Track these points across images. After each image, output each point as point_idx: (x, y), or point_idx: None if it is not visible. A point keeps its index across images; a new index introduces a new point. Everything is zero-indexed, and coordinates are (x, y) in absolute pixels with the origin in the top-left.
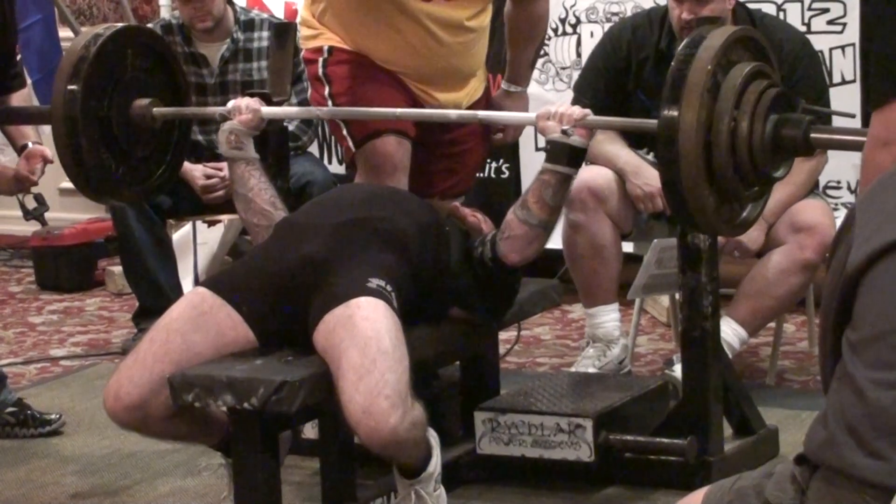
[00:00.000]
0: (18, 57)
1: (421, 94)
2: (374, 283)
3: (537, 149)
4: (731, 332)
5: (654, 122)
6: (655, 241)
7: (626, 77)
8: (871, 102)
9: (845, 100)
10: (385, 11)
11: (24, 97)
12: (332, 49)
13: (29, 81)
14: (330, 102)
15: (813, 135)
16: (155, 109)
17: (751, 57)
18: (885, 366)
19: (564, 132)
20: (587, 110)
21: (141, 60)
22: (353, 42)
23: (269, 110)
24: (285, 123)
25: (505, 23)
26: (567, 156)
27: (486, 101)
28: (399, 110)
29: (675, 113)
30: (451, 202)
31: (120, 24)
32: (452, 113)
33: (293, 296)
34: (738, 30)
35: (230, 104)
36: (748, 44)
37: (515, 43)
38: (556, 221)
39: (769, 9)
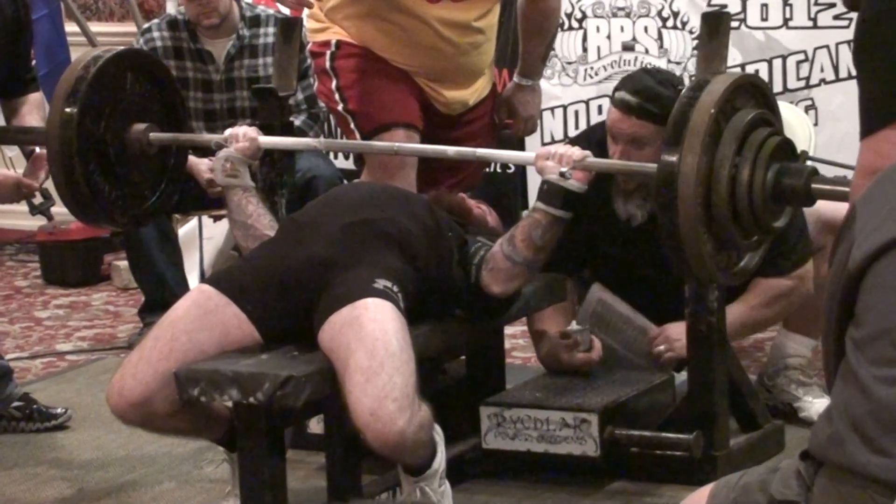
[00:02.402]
0: (34, 62)
1: (429, 91)
2: (381, 283)
3: (543, 143)
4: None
5: (653, 165)
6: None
7: None
8: (860, 132)
9: (851, 94)
10: (392, 13)
11: (38, 100)
12: (339, 43)
13: None
14: (337, 95)
15: (814, 185)
16: (151, 135)
17: (754, 104)
18: (888, 362)
19: (562, 174)
20: (587, 152)
21: (140, 84)
22: (360, 38)
23: (266, 140)
24: (292, 118)
25: (517, 17)
26: (562, 199)
27: (492, 100)
28: (397, 144)
29: (676, 156)
30: (458, 193)
31: (120, 47)
32: (450, 149)
33: (299, 295)
34: (743, 76)
35: (227, 132)
36: (752, 90)
37: (527, 37)
38: (542, 261)
39: (776, 4)
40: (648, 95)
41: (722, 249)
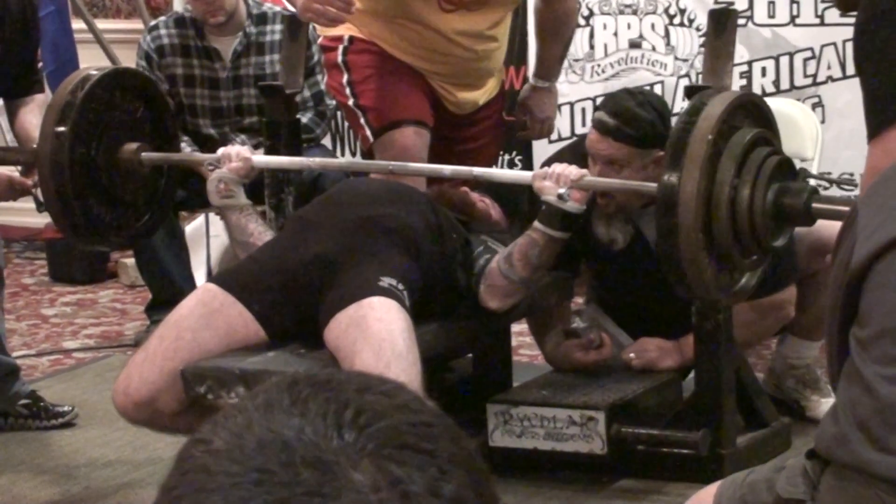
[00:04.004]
0: (40, 64)
1: (440, 90)
2: (386, 282)
3: (550, 141)
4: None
5: (653, 185)
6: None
7: None
8: (867, 134)
9: (859, 92)
10: (406, 22)
11: (41, 102)
12: (352, 38)
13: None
14: (348, 90)
15: (814, 204)
16: (143, 154)
17: (752, 123)
18: (893, 361)
19: (560, 196)
20: (584, 171)
21: (130, 104)
22: (372, 36)
23: (260, 159)
24: (299, 116)
25: (534, 18)
26: (560, 220)
27: (502, 99)
28: (392, 164)
29: (675, 181)
30: (461, 188)
31: (109, 67)
32: (447, 168)
33: (304, 294)
34: (740, 95)
35: (220, 151)
36: (750, 109)
37: (544, 39)
38: (539, 279)
39: (783, 1)
40: (627, 117)
41: (722, 270)
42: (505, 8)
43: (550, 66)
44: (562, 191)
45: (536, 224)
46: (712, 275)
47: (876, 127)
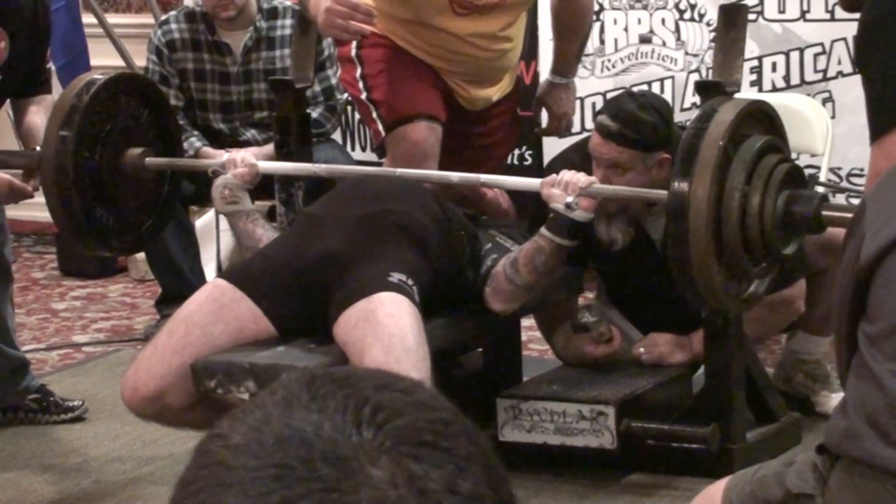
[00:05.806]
0: (49, 64)
1: (455, 87)
2: (396, 277)
3: (561, 136)
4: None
5: (663, 192)
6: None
7: None
8: (870, 136)
9: None
10: (421, 27)
11: (48, 103)
12: None
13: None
14: (361, 84)
15: (824, 212)
16: (147, 160)
17: (762, 130)
18: None
19: (568, 206)
20: (593, 178)
21: (134, 109)
22: (385, 32)
23: (265, 165)
24: (308, 111)
25: (550, 15)
26: (567, 229)
27: (517, 95)
28: (399, 170)
29: (686, 187)
30: None
31: (114, 72)
32: (454, 175)
33: (314, 290)
34: (751, 103)
35: (224, 157)
36: (760, 117)
37: (561, 35)
38: (544, 284)
39: None
40: (629, 121)
41: (732, 278)
42: (518, 9)
43: (567, 61)
44: (569, 199)
45: (543, 231)
46: (721, 281)
47: (877, 130)
